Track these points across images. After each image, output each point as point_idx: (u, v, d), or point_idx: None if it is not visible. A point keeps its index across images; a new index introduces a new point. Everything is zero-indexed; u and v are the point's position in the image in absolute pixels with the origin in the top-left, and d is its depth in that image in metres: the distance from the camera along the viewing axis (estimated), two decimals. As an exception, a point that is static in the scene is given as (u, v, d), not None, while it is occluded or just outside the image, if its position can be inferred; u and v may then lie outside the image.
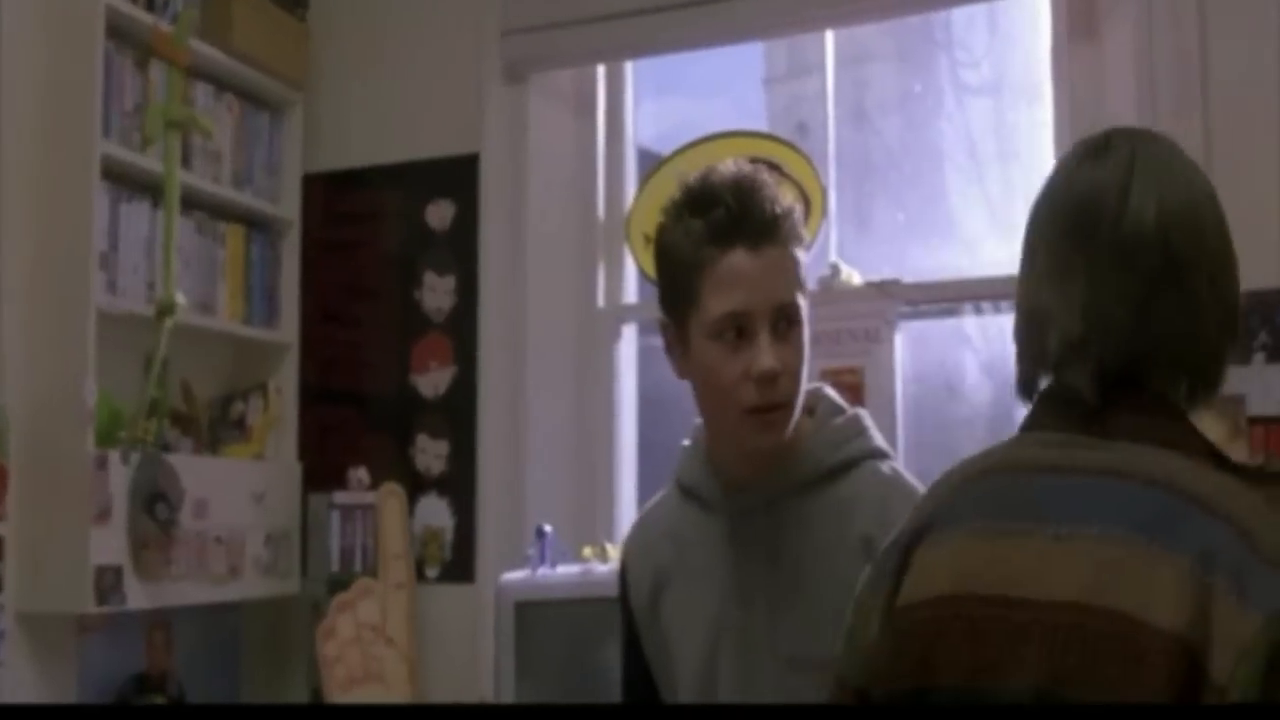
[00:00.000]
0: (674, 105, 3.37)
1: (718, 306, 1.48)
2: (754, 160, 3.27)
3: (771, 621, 1.53)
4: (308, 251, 3.42)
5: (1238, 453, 2.55)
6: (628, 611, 1.69)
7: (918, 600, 1.18)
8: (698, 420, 1.68)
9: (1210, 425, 2.56)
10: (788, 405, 1.52)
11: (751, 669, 1.53)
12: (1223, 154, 2.62)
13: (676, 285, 1.53)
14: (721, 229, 1.49)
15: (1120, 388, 1.18)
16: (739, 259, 1.48)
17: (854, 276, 3.02)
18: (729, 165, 1.56)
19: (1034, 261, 1.23)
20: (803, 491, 1.57)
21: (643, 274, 3.24)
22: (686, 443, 1.71)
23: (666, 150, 3.24)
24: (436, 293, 3.32)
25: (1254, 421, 2.54)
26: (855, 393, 2.95)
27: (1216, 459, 1.19)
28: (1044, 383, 1.24)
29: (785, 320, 1.51)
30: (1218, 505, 1.10)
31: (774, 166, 3.10)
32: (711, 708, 1.53)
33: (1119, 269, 1.18)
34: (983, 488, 1.22)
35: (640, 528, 1.73)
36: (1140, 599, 1.05)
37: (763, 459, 1.56)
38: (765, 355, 1.47)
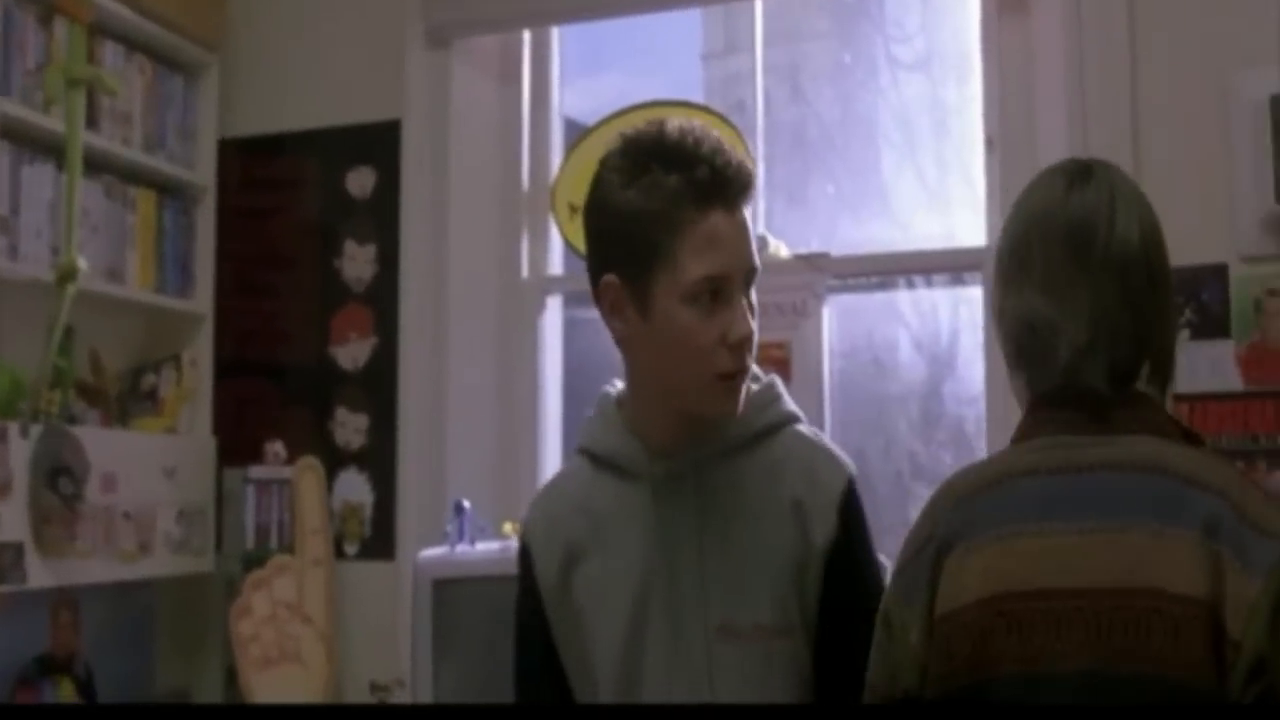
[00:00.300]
0: (610, 80, 3.31)
1: (697, 269, 1.42)
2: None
3: (702, 590, 1.48)
4: (224, 219, 3.33)
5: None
6: (532, 593, 1.59)
7: (959, 606, 1.27)
8: (607, 388, 1.64)
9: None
10: (749, 371, 1.50)
11: (682, 641, 1.48)
12: (1148, 129, 2.61)
13: (640, 244, 1.44)
14: (703, 189, 1.43)
15: (1119, 386, 1.33)
16: (720, 221, 1.44)
17: (782, 249, 2.98)
18: (684, 120, 1.49)
19: (1029, 276, 1.36)
20: (730, 455, 1.53)
21: (568, 245, 3.18)
22: (591, 413, 1.65)
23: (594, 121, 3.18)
24: (357, 262, 3.24)
25: (1179, 399, 2.54)
26: (782, 367, 2.91)
27: (1188, 437, 1.36)
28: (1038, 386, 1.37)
29: (747, 285, 1.49)
30: (1208, 481, 1.26)
31: (702, 137, 3.07)
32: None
33: (1115, 282, 1.34)
34: (1003, 494, 1.31)
35: (545, 502, 1.63)
36: (1167, 574, 1.20)
37: (698, 425, 1.51)
38: (743, 321, 1.45)
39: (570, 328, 3.25)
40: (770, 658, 1.48)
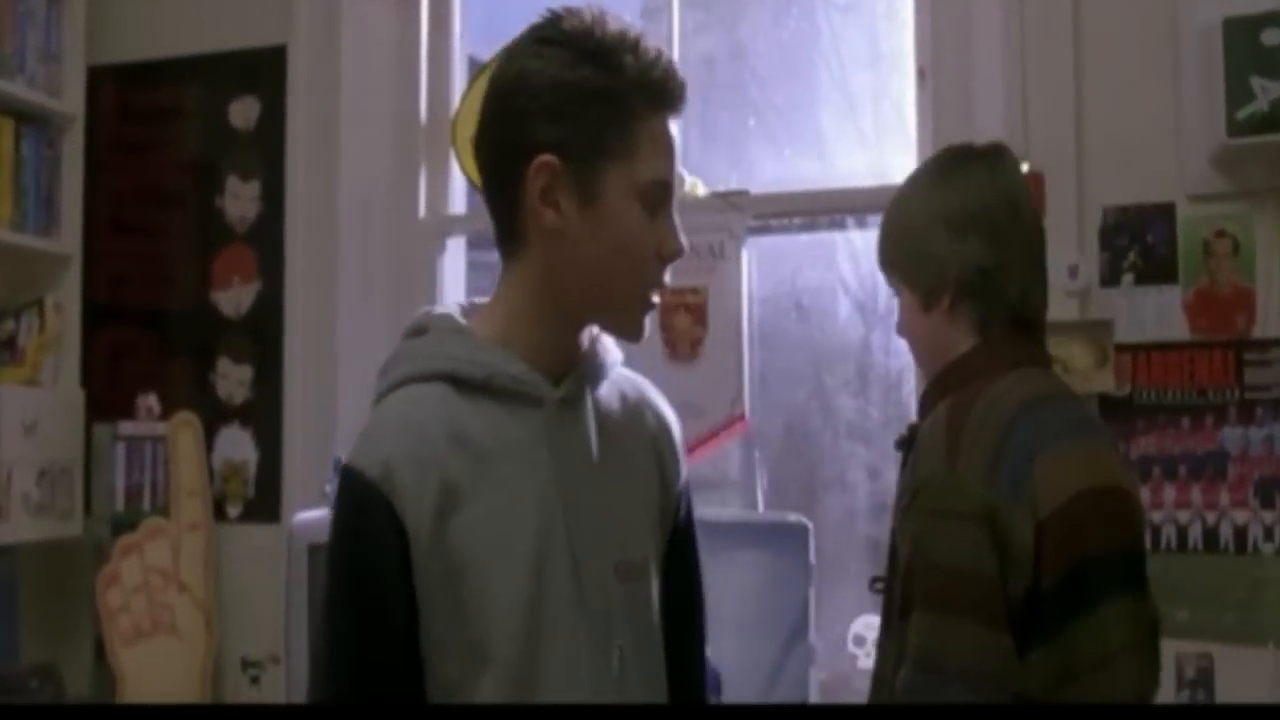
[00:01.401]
0: (514, 19, 3.04)
1: (653, 169, 1.32)
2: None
3: (598, 526, 1.37)
4: (95, 152, 3.08)
5: (1103, 382, 2.37)
6: (388, 549, 1.31)
7: (1060, 502, 1.47)
8: (433, 309, 1.43)
9: (1077, 353, 2.41)
10: None
11: (585, 582, 1.35)
12: (1091, 58, 2.43)
13: (596, 125, 1.30)
14: (660, 86, 1.32)
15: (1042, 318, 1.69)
16: (668, 125, 1.34)
17: (698, 187, 2.77)
18: (624, 18, 1.36)
19: (975, 229, 1.61)
20: (604, 386, 1.43)
21: (470, 183, 2.94)
22: (426, 334, 1.41)
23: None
24: (240, 200, 2.99)
25: (1121, 349, 2.37)
26: (698, 314, 2.71)
27: None
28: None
29: None
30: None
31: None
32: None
33: (1038, 241, 1.68)
34: (1047, 414, 1.54)
35: (404, 437, 1.33)
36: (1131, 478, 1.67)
37: (580, 348, 1.40)
38: (679, 235, 1.35)
39: (473, 271, 3.02)
40: (650, 597, 1.42)
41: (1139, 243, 2.38)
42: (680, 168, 2.76)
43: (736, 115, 2.85)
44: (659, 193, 1.33)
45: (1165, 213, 2.36)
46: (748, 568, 2.61)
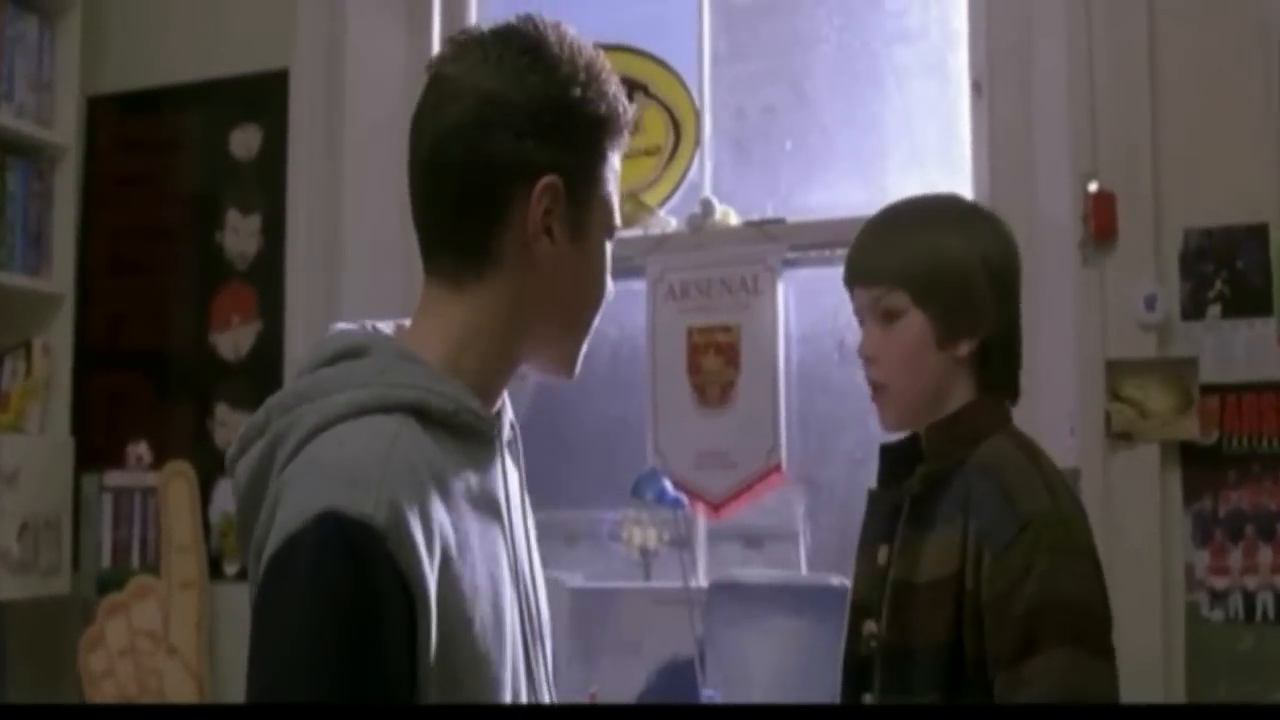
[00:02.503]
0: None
1: (616, 210, 1.26)
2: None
3: (534, 588, 1.26)
4: (93, 186, 2.92)
5: (1186, 429, 2.08)
6: (395, 612, 1.06)
7: None
8: (358, 331, 1.22)
9: (1155, 395, 2.13)
10: None
11: (535, 658, 1.24)
12: (1169, 65, 2.16)
13: (594, 155, 1.22)
14: (628, 119, 1.24)
15: None
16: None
17: (730, 215, 2.53)
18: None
19: (1010, 294, 1.58)
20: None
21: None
22: (361, 355, 1.18)
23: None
24: (240, 235, 2.79)
25: (1207, 390, 2.08)
26: (730, 355, 2.46)
27: None
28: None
29: None
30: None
31: (638, 86, 2.63)
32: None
33: None
34: None
35: (401, 475, 1.09)
36: None
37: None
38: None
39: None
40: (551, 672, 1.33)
41: (1227, 269, 2.09)
42: (709, 194, 2.57)
43: (772, 136, 2.60)
44: (614, 232, 1.26)
45: (1257, 235, 2.07)
46: (784, 635, 2.35)
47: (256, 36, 2.80)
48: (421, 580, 1.05)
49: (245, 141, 2.80)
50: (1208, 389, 2.08)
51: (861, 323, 1.62)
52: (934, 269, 1.54)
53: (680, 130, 2.60)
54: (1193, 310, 2.11)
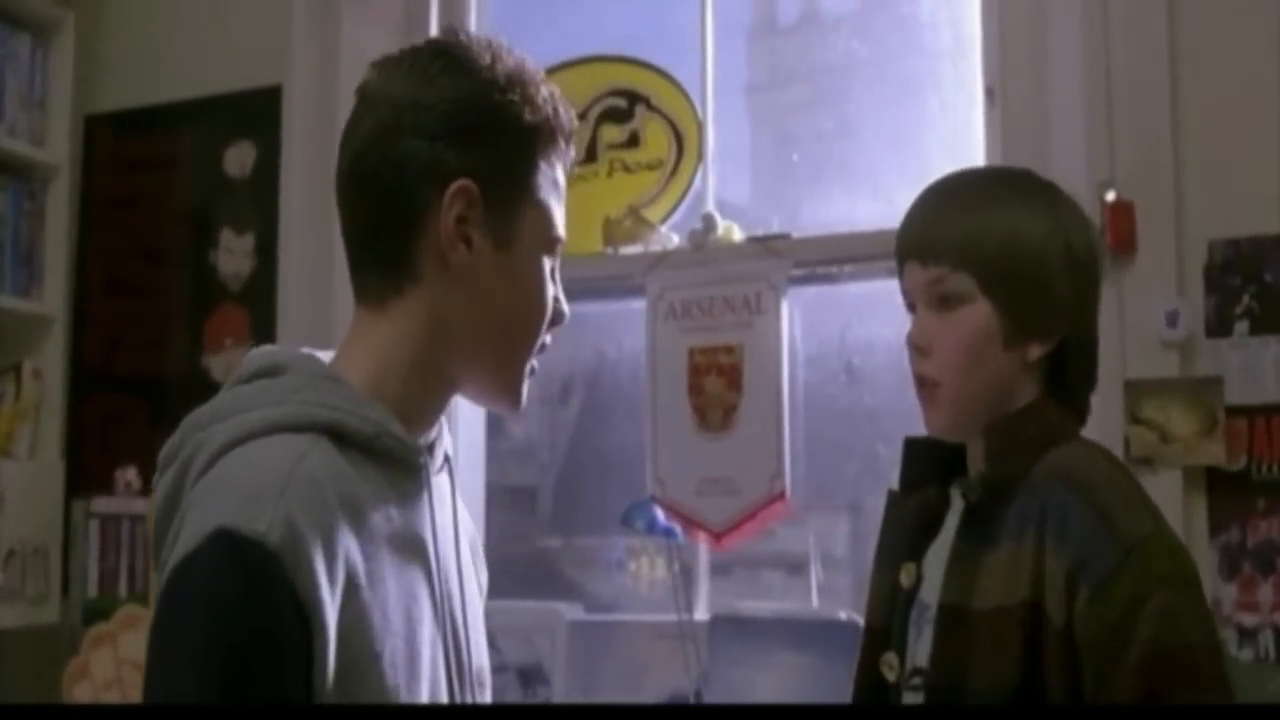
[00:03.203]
0: (531, 46, 2.74)
1: (558, 222, 1.19)
2: (618, 91, 2.70)
3: (466, 630, 1.19)
4: (89, 207, 2.87)
5: (1210, 454, 1.95)
6: (290, 640, 1.00)
7: None
8: (278, 350, 1.16)
9: (1177, 418, 2.00)
10: None
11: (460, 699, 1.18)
12: (1190, 65, 2.04)
13: (521, 159, 1.16)
14: (566, 130, 1.19)
15: None
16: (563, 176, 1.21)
17: (734, 231, 2.42)
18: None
19: (1093, 294, 1.38)
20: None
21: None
22: (278, 374, 1.13)
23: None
24: (233, 255, 2.72)
25: (1233, 412, 1.95)
26: (732, 377, 2.35)
27: None
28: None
29: None
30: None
31: (639, 98, 2.54)
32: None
33: None
34: None
35: (303, 494, 1.03)
36: None
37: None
38: (564, 302, 1.22)
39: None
40: None
41: (1255, 283, 1.96)
42: (712, 209, 2.47)
43: (778, 149, 2.50)
44: (558, 249, 1.19)
45: (1285, 245, 1.95)
46: (788, 672, 2.23)
47: (251, 52, 2.74)
48: (319, 604, 1.00)
49: (239, 159, 2.74)
50: (1234, 411, 1.94)
51: (911, 307, 1.38)
52: (1010, 252, 1.32)
53: (683, 143, 2.50)
54: (1218, 326, 1.98)
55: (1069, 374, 1.35)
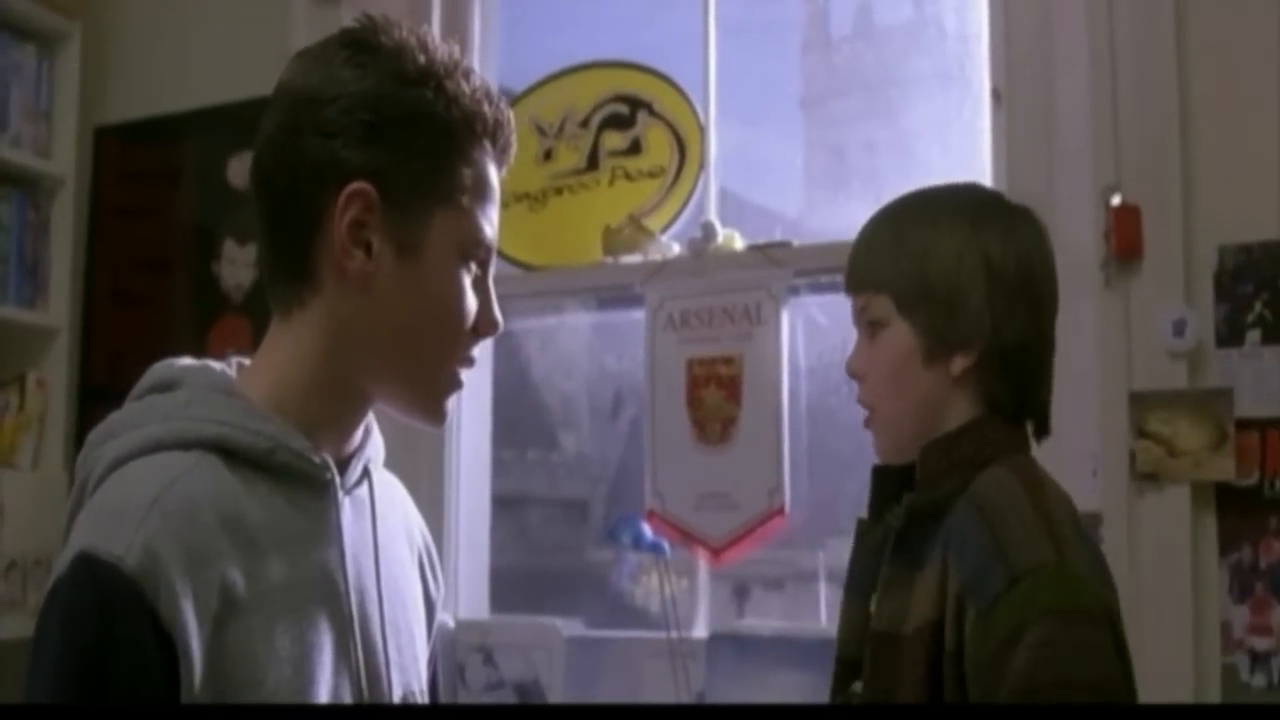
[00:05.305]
0: (541, 52, 2.71)
1: (485, 227, 1.12)
2: (620, 98, 2.64)
3: (386, 652, 1.13)
4: (97, 218, 2.88)
5: (1220, 468, 1.86)
6: (146, 667, 0.96)
7: None
8: (183, 363, 1.12)
9: (1185, 431, 1.92)
10: None
11: (387, 689, 1.13)
12: (1198, 66, 1.97)
13: (424, 156, 1.08)
14: (495, 126, 1.12)
15: None
16: (496, 176, 1.14)
17: (735, 240, 2.37)
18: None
19: (1022, 305, 1.33)
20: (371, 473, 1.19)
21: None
22: (172, 389, 1.09)
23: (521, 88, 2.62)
24: (236, 266, 2.71)
25: (1244, 425, 1.86)
26: (731, 389, 2.29)
27: None
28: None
29: None
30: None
31: (641, 104, 2.49)
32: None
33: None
34: None
35: (168, 516, 0.99)
36: None
37: (360, 428, 1.17)
38: (497, 308, 1.16)
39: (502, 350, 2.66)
40: None
41: (1268, 290, 1.88)
42: (712, 217, 2.42)
43: (780, 152, 2.44)
44: (483, 255, 1.12)
45: (1298, 251, 1.87)
46: (787, 691, 2.17)
47: (254, 63, 2.71)
48: (183, 629, 0.96)
49: (242, 170, 2.72)
50: (1245, 424, 1.86)
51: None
52: (921, 270, 1.32)
53: (685, 150, 2.45)
54: (1228, 336, 1.90)
55: (994, 386, 1.32)
